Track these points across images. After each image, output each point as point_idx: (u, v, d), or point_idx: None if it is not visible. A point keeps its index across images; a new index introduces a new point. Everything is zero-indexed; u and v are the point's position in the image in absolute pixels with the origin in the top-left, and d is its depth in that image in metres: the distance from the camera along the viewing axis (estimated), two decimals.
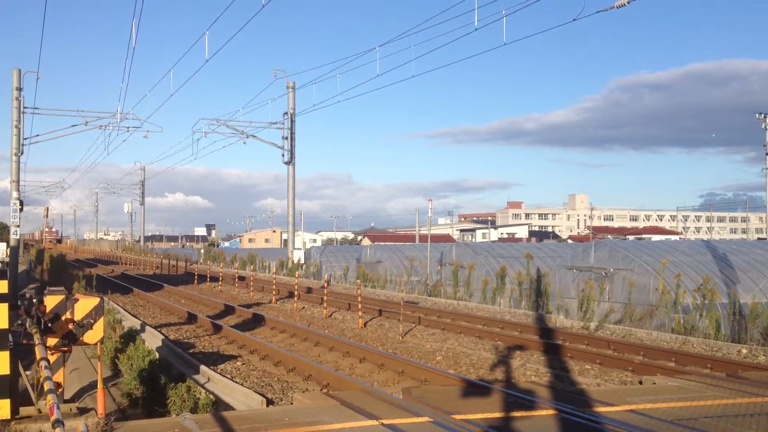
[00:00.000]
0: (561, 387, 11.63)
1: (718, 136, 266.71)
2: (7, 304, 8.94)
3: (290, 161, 46.14)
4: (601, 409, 9.10)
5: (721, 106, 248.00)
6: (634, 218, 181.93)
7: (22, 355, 9.87)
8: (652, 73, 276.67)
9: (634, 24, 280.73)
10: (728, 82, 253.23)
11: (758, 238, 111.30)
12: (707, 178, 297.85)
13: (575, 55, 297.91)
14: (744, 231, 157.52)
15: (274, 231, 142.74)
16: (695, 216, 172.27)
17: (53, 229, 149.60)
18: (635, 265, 25.91)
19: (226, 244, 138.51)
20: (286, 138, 46.01)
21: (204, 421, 8.49)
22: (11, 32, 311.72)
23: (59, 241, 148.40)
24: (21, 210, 32.03)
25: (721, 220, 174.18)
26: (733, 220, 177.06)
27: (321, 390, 11.73)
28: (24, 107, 33.17)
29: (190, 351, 15.84)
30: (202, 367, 12.74)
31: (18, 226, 31.90)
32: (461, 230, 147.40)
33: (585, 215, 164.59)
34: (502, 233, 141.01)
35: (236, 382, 11.90)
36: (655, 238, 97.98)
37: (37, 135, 37.29)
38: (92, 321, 9.95)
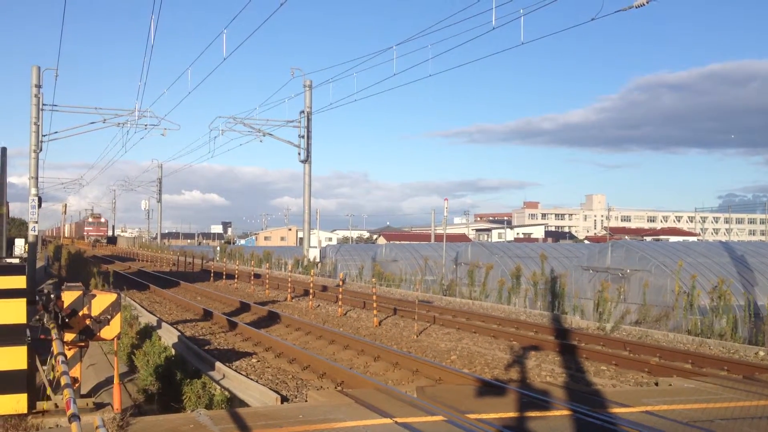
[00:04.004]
0: (576, 388, 11.59)
1: (738, 137, 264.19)
2: (25, 300, 9.02)
3: (306, 160, 46.21)
4: (617, 410, 9.07)
5: (741, 106, 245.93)
6: (652, 219, 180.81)
7: (40, 350, 9.95)
8: (671, 72, 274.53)
9: (654, 23, 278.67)
10: (748, 83, 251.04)
11: None
12: (726, 179, 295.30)
13: (593, 55, 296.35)
14: (763, 233, 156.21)
15: (290, 229, 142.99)
16: (713, 217, 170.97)
17: (101, 219, 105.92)
18: (652, 266, 25.76)
19: (242, 242, 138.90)
20: (303, 136, 46.09)
21: (219, 417, 8.53)
22: (31, 30, 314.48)
23: (113, 240, 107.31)
24: (39, 206, 32.28)
25: (739, 221, 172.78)
26: (752, 221, 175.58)
27: (335, 388, 11.75)
28: (43, 104, 33.38)
29: (206, 347, 15.92)
30: (218, 364, 12.80)
31: (36, 222, 32.12)
32: (477, 230, 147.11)
33: (602, 216, 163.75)
34: (518, 233, 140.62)
35: (251, 379, 11.94)
36: (673, 239, 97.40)
37: (56, 132, 37.51)
38: (109, 317, 10.02)
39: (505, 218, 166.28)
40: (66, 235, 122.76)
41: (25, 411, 9.01)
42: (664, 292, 23.66)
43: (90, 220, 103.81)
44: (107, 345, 15.35)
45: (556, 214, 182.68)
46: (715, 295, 19.21)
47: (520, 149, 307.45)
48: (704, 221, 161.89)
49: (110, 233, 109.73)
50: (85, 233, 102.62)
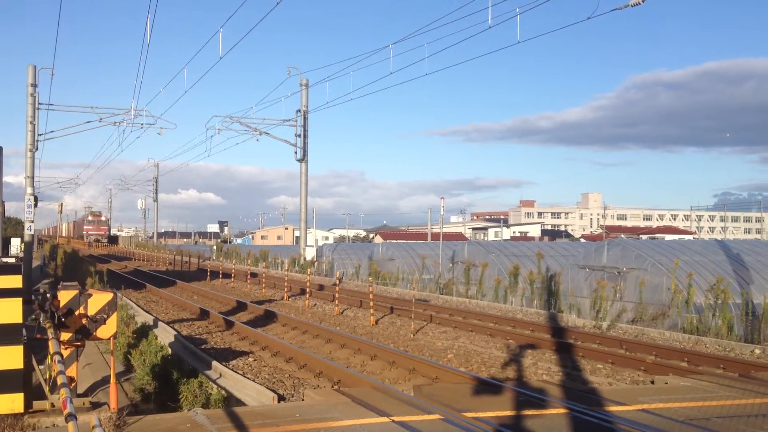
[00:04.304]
0: (572, 386, 11.61)
1: (734, 136, 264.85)
2: (21, 299, 9.00)
3: (303, 158, 46.21)
4: (613, 408, 9.08)
5: (737, 105, 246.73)
6: (648, 218, 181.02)
7: (36, 350, 9.94)
8: (668, 71, 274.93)
9: (650, 22, 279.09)
10: (744, 81, 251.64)
11: None
12: (722, 177, 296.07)
13: (590, 54, 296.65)
14: (758, 231, 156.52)
15: (287, 228, 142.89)
16: (709, 216, 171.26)
17: (102, 218, 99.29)
18: (648, 264, 25.81)
19: (239, 240, 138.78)
20: (299, 135, 46.08)
21: (215, 416, 8.52)
22: (27, 29, 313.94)
23: (113, 240, 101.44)
24: (35, 206, 32.24)
25: (735, 220, 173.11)
26: (747, 220, 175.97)
27: (332, 387, 11.75)
28: (39, 103, 33.37)
29: (203, 347, 15.91)
30: (214, 363, 12.79)
31: (32, 221, 32.10)
32: (473, 229, 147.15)
33: (598, 214, 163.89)
34: (514, 232, 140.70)
35: (248, 378, 11.94)
36: (669, 237, 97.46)
37: (52, 131, 37.61)
38: (105, 316, 10.01)
39: (502, 217, 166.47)
40: (63, 235, 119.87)
41: (22, 410, 8.99)
42: (660, 290, 23.71)
43: (89, 218, 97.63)
44: (104, 344, 15.34)
45: (552, 213, 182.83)
46: (712, 293, 19.25)
47: (516, 148, 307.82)
48: (700, 219, 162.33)
49: (112, 234, 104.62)
50: (84, 232, 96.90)
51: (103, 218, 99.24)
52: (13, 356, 8.87)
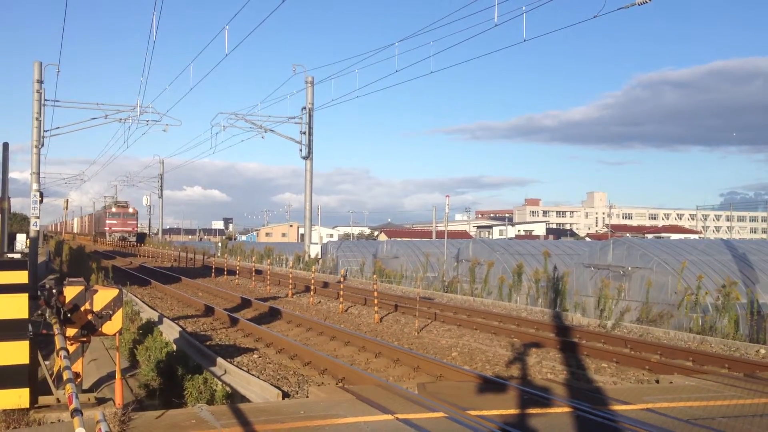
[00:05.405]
0: (577, 385, 11.59)
1: (740, 135, 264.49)
2: (27, 295, 9.03)
3: (308, 156, 46.17)
4: (618, 407, 9.07)
5: (744, 104, 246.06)
6: (653, 217, 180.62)
7: (42, 345, 9.97)
8: (675, 70, 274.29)
9: (657, 21, 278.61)
10: (751, 80, 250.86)
11: None
12: (728, 177, 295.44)
13: (596, 52, 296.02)
14: (765, 231, 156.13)
15: (291, 225, 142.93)
16: (715, 215, 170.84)
17: (129, 210, 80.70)
18: (653, 263, 25.74)
19: (243, 237, 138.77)
20: (304, 133, 46.03)
21: (220, 412, 8.53)
22: (33, 25, 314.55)
23: (142, 238, 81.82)
24: (41, 202, 32.28)
25: (741, 219, 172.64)
26: (753, 219, 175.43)
27: (336, 384, 11.77)
28: (45, 100, 33.42)
29: (207, 343, 15.93)
30: (219, 360, 12.81)
31: (38, 217, 32.15)
32: (478, 227, 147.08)
33: (603, 213, 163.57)
34: (519, 230, 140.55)
35: (252, 375, 11.95)
36: (675, 236, 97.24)
37: (58, 127, 37.72)
38: (111, 312, 10.04)
39: (507, 215, 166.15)
40: (76, 231, 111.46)
41: (27, 405, 9.02)
42: (665, 289, 23.65)
43: (113, 210, 79.30)
44: (109, 340, 15.37)
45: (557, 212, 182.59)
46: (722, 293, 19.20)
47: (521, 146, 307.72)
48: (706, 219, 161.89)
49: (141, 230, 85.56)
50: (107, 228, 79.32)
51: (131, 210, 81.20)
52: (19, 351, 8.90)
